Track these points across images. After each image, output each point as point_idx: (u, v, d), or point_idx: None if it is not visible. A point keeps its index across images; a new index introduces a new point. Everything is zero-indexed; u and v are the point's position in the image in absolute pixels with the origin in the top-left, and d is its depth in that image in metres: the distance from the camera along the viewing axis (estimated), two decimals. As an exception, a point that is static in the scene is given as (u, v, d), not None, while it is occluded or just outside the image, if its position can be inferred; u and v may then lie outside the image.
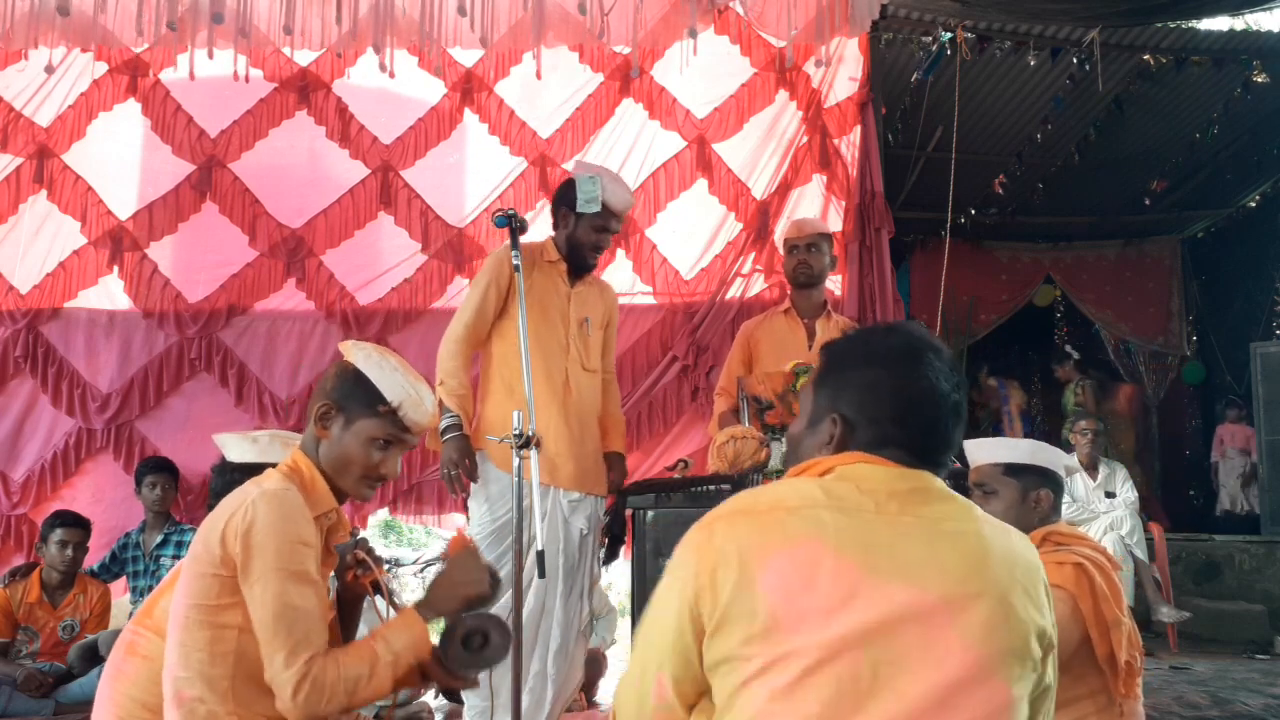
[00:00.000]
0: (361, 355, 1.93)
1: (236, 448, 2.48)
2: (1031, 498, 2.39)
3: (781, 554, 1.24)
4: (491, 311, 3.23)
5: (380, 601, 2.03)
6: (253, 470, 1.94)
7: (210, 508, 2.27)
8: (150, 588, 4.44)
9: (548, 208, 5.09)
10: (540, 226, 4.96)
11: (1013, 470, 2.40)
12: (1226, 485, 8.04)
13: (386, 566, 5.74)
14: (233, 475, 2.25)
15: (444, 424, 3.16)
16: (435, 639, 1.86)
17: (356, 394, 1.90)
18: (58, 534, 4.17)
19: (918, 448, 1.35)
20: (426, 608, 1.87)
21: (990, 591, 1.25)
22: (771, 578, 1.23)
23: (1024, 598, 1.27)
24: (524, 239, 3.35)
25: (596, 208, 3.19)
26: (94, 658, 4.04)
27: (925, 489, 1.33)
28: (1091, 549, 2.34)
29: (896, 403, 1.36)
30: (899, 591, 1.22)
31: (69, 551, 4.16)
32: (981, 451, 2.48)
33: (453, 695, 4.11)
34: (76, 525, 4.22)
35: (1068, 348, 8.80)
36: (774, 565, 1.24)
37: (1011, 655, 1.23)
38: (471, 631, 1.86)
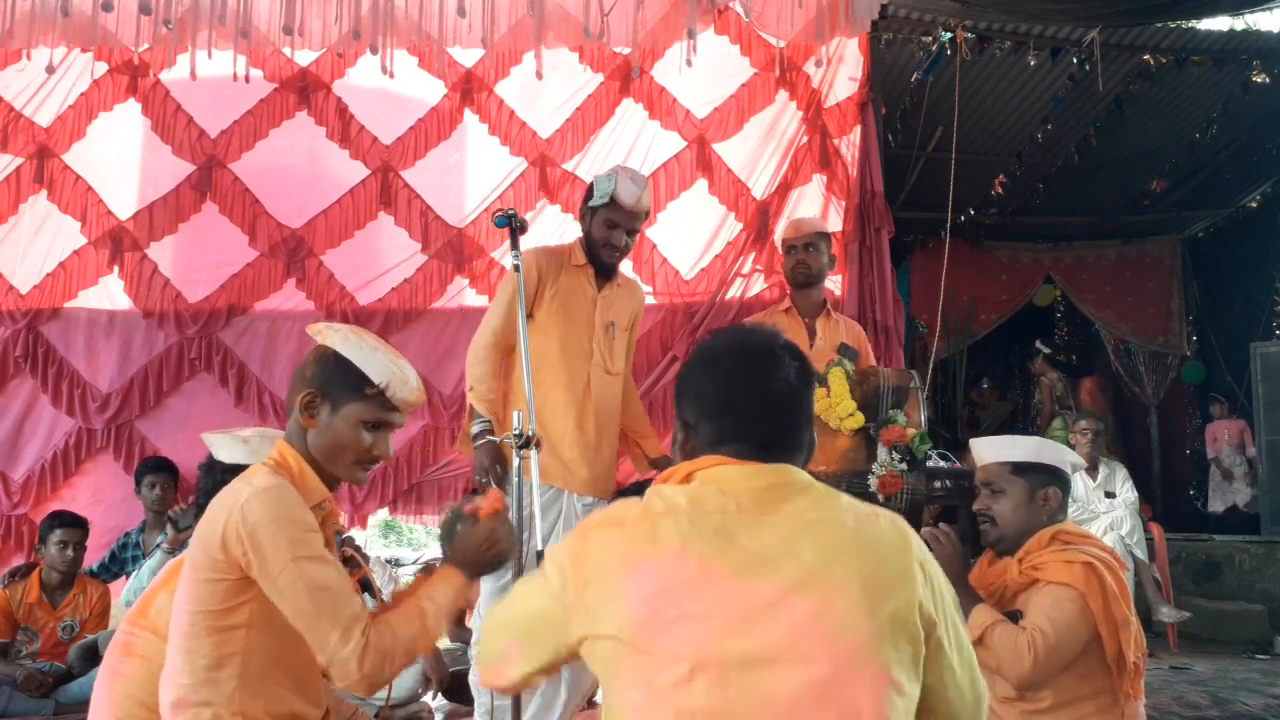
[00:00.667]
0: (338, 338, 1.88)
1: (226, 448, 2.47)
2: (1039, 496, 2.40)
3: (647, 563, 1.27)
4: (518, 315, 3.22)
5: (369, 600, 2.03)
6: (242, 470, 1.93)
7: (200, 507, 2.26)
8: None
9: (548, 208, 5.12)
10: (540, 227, 4.97)
11: (1020, 469, 2.41)
12: (1236, 478, 8.03)
13: (388, 565, 5.73)
14: (222, 475, 2.24)
15: (475, 429, 3.12)
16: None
17: (340, 378, 1.86)
18: (57, 534, 4.17)
19: (754, 438, 1.37)
20: (462, 566, 1.89)
21: (853, 578, 1.25)
22: (636, 588, 1.25)
23: (892, 579, 1.27)
24: (544, 242, 3.35)
25: (604, 200, 3.20)
26: (94, 658, 4.04)
27: (785, 483, 1.34)
28: (1100, 548, 2.35)
29: (720, 397, 1.40)
30: (762, 591, 1.23)
31: (69, 551, 4.16)
32: (989, 450, 2.49)
33: (454, 695, 4.11)
34: (75, 525, 4.22)
35: (1038, 342, 8.78)
36: (639, 575, 1.26)
37: (884, 639, 1.23)
38: (468, 516, 1.94)
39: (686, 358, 1.53)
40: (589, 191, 3.31)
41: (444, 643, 4.64)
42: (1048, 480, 2.41)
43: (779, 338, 1.44)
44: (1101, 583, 2.22)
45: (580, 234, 3.40)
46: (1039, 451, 2.44)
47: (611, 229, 3.25)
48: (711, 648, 1.20)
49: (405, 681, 3.77)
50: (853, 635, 1.22)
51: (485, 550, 1.91)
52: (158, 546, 4.31)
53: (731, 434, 1.38)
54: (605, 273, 3.34)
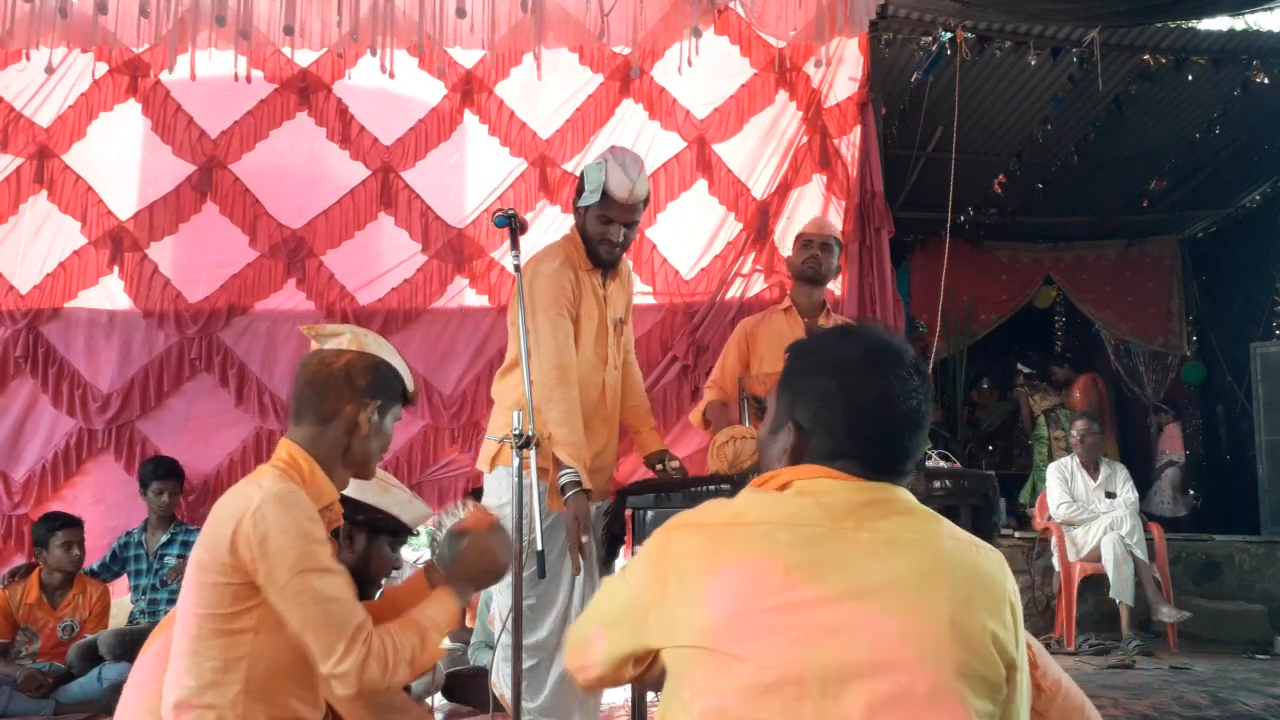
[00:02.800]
0: (375, 343, 1.97)
1: None
2: None
3: (731, 570, 1.23)
4: (520, 320, 2.86)
5: None
6: None
7: None
8: (153, 586, 4.45)
9: (548, 208, 5.12)
10: (540, 227, 4.98)
11: None
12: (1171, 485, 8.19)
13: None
14: None
15: (563, 481, 2.83)
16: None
17: (388, 385, 1.95)
18: (60, 536, 4.18)
19: (872, 459, 1.31)
20: (457, 583, 1.92)
21: (943, 606, 1.20)
22: (718, 594, 1.22)
23: (984, 615, 1.22)
24: (543, 243, 3.26)
25: (595, 199, 2.98)
26: (94, 657, 4.04)
27: (885, 501, 1.30)
28: None
29: (848, 414, 1.32)
30: (848, 608, 1.19)
31: (75, 551, 4.20)
32: None
33: (454, 695, 4.12)
34: (76, 525, 4.26)
35: (1019, 365, 8.82)
36: (722, 581, 1.22)
37: (968, 673, 1.19)
38: (457, 535, 1.97)
39: (802, 348, 1.41)
40: (579, 184, 3.10)
41: (444, 642, 4.63)
42: None
43: (909, 352, 1.35)
44: None
45: (573, 230, 3.16)
46: None
47: (607, 224, 3.01)
48: (790, 661, 1.17)
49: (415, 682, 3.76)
50: (936, 663, 1.17)
51: (478, 562, 1.94)
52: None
53: (851, 453, 1.31)
54: (602, 268, 3.15)
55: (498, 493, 3.02)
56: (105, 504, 4.82)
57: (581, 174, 3.12)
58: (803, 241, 3.81)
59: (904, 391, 1.32)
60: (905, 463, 1.34)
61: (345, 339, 1.97)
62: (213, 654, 1.72)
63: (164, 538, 4.49)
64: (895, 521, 1.28)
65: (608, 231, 3.04)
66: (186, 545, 4.38)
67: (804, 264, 3.76)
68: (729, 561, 1.24)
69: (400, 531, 2.30)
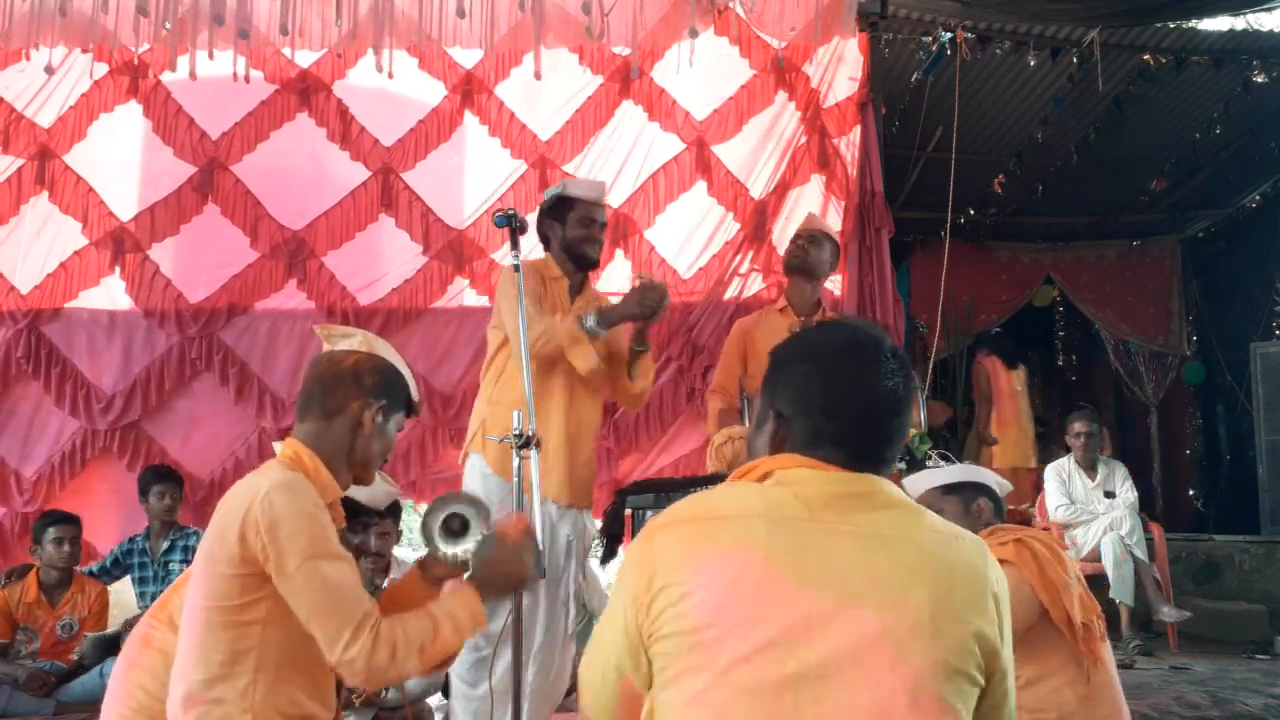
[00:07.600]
0: (385, 349, 2.00)
1: None
2: (974, 508, 2.67)
3: (713, 564, 1.23)
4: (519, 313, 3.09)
5: None
6: None
7: None
8: (160, 594, 4.45)
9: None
10: (540, 227, 4.98)
11: (950, 489, 2.71)
12: None
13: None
14: None
15: (589, 324, 3.05)
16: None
17: (393, 390, 1.98)
18: (52, 532, 4.19)
19: (852, 444, 1.31)
20: (483, 584, 1.93)
21: (924, 601, 1.21)
22: (701, 589, 1.22)
23: (967, 609, 1.23)
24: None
25: (570, 198, 3.23)
26: (110, 649, 4.04)
27: (867, 494, 1.29)
28: (1032, 533, 2.58)
29: (825, 396, 1.33)
30: (829, 605, 1.19)
31: (66, 547, 4.19)
32: (919, 482, 2.77)
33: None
34: (69, 522, 4.26)
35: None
36: (704, 576, 1.22)
37: (950, 671, 1.20)
38: (449, 516, 1.97)
39: (782, 345, 1.42)
40: (545, 211, 3.31)
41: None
42: (977, 494, 2.69)
43: (888, 340, 1.37)
44: (1033, 551, 2.42)
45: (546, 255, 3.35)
46: (962, 474, 2.79)
47: (589, 224, 3.26)
48: (770, 658, 1.17)
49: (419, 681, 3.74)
50: (916, 660, 1.18)
51: (509, 567, 1.95)
52: None
53: (828, 438, 1.31)
54: (582, 273, 3.36)
55: (468, 480, 3.11)
56: (112, 504, 4.82)
57: (543, 202, 3.33)
58: (794, 236, 3.98)
59: (881, 372, 1.32)
60: (886, 450, 1.34)
61: (357, 340, 2.00)
62: (221, 646, 1.73)
63: (165, 544, 4.49)
64: (877, 515, 1.28)
65: (592, 230, 3.25)
66: (188, 550, 4.38)
67: (790, 255, 3.92)
68: (710, 555, 1.24)
69: (358, 513, 2.32)
